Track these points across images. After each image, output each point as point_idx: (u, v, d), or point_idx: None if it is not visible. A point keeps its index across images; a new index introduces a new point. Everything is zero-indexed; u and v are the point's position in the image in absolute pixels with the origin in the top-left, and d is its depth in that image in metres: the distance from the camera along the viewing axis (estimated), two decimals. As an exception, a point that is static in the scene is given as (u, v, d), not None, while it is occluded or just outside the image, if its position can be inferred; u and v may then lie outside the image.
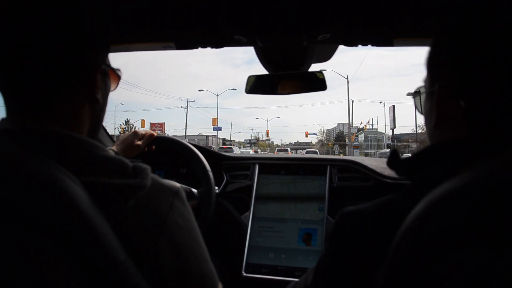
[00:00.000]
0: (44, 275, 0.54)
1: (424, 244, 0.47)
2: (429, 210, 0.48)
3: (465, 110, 0.61)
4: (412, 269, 0.48)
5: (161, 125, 51.41)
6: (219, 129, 51.37)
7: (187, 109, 51.81)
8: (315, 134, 78.18)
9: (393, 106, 33.22)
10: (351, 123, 40.02)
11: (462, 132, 0.62)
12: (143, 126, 46.96)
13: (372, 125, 50.53)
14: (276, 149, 50.40)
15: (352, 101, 42.43)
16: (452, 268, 0.44)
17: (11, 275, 0.52)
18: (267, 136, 69.55)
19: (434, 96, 0.65)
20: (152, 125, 50.84)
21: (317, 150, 47.76)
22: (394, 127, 34.66)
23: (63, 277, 0.55)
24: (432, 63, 0.67)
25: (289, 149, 48.52)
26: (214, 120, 50.55)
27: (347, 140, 44.54)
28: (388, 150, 29.45)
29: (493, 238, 0.42)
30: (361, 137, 46.90)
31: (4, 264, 0.52)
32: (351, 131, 41.61)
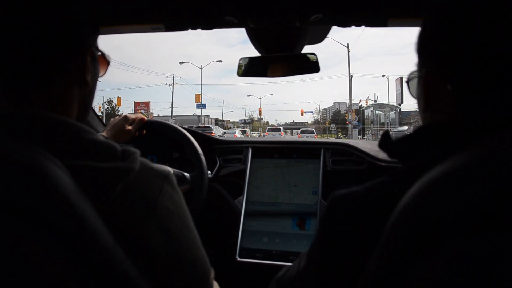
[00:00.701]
0: (28, 262, 0.53)
1: (419, 226, 0.47)
2: (423, 192, 0.47)
3: (452, 94, 0.60)
4: (406, 252, 0.48)
5: (146, 104, 45.87)
6: (203, 106, 45.89)
7: (172, 86, 46.96)
8: (311, 112, 72.89)
9: (401, 78, 27.91)
10: (351, 95, 35.83)
11: (451, 116, 0.61)
12: (118, 104, 43.57)
13: (375, 100, 43.20)
14: (267, 128, 43.84)
15: (351, 76, 38.67)
16: (446, 251, 0.44)
17: None
18: (260, 115, 65.47)
19: (422, 81, 0.65)
20: (136, 104, 45.93)
21: (313, 129, 42.80)
22: (402, 102, 30.65)
23: (48, 263, 0.54)
24: (420, 48, 0.67)
25: (281, 128, 43.39)
26: (198, 97, 45.29)
27: (349, 116, 39.16)
28: (405, 128, 25.26)
29: (488, 221, 0.42)
30: (368, 112, 38.77)
31: None
32: (352, 108, 38.59)
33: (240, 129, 55.69)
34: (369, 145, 1.87)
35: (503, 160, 0.42)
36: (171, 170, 0.74)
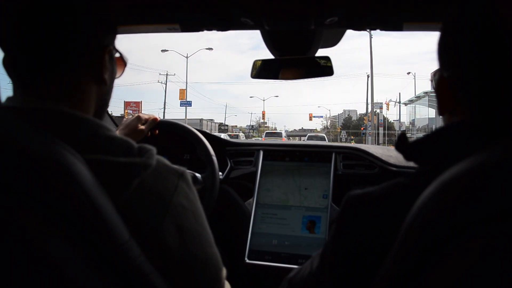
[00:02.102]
0: (46, 253, 0.54)
1: (435, 225, 0.47)
2: (441, 191, 0.47)
3: (465, 99, 0.61)
4: (423, 251, 0.48)
5: (137, 104, 39.96)
6: (188, 104, 38.91)
7: (166, 84, 40.86)
8: (321, 116, 67.29)
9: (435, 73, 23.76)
10: (371, 93, 31.25)
11: (468, 118, 0.62)
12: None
13: (400, 102, 37.97)
14: (265, 133, 35.51)
15: (368, 76, 36.55)
16: (463, 250, 0.44)
17: (14, 252, 0.52)
18: (263, 118, 57.09)
19: (436, 85, 0.66)
20: (126, 104, 40.09)
21: (324, 135, 34.91)
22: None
23: (66, 254, 0.55)
24: (439, 53, 0.67)
25: (283, 133, 36.97)
26: (182, 92, 38.24)
27: (368, 120, 35.24)
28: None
29: (505, 221, 0.42)
30: (411, 109, 32.55)
31: (8, 241, 0.52)
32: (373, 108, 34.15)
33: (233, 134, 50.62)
34: (380, 149, 1.86)
35: None
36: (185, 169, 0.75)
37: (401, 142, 0.67)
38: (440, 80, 0.65)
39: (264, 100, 59.40)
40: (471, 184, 0.45)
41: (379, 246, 0.58)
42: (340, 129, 53.88)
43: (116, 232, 0.58)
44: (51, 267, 0.54)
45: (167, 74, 41.80)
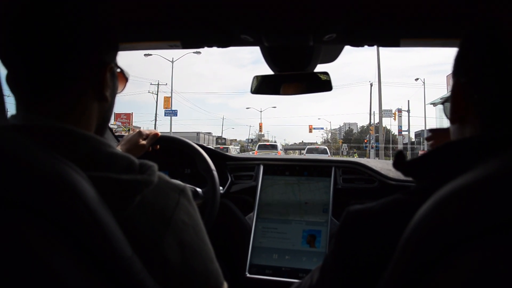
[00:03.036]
0: (50, 269, 0.54)
1: (432, 239, 0.47)
2: (437, 206, 0.48)
3: (478, 104, 0.62)
4: (420, 265, 0.48)
5: (128, 116, 38.37)
6: (174, 113, 35.87)
7: (157, 95, 38.06)
8: (322, 128, 63.14)
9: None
10: (379, 100, 28.78)
11: (477, 128, 0.63)
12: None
13: (409, 111, 33.91)
14: (258, 145, 32.43)
15: (371, 84, 35.62)
16: (459, 264, 0.44)
17: (17, 268, 0.53)
18: (260, 130, 54.41)
19: (452, 91, 0.67)
20: (116, 116, 37.90)
21: (325, 147, 31.70)
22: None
23: (70, 271, 0.55)
24: (458, 58, 0.69)
25: (279, 145, 32.94)
26: (167, 100, 35.48)
27: (374, 132, 32.82)
28: None
29: (501, 235, 0.43)
30: (439, 110, 26.83)
31: (12, 257, 0.53)
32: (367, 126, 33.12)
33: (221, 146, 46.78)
34: (379, 164, 1.87)
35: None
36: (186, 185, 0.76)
37: (399, 160, 0.68)
38: (457, 85, 0.67)
39: (261, 112, 56.85)
40: (466, 199, 0.46)
41: (378, 260, 0.59)
42: (342, 142, 51.43)
43: (119, 248, 0.59)
44: (55, 282, 0.54)
45: (158, 84, 39.19)
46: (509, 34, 0.59)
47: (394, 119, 34.41)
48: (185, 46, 1.34)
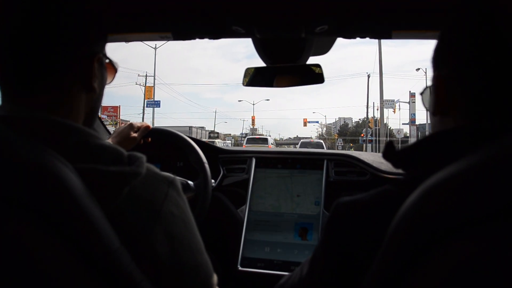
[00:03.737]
0: (36, 260, 0.54)
1: (419, 229, 0.48)
2: (424, 196, 0.48)
3: (464, 97, 0.62)
4: (407, 255, 0.49)
5: (115, 109, 35.27)
6: (156, 105, 34.20)
7: (145, 86, 35.52)
8: (317, 122, 60.45)
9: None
10: (381, 90, 26.96)
11: (459, 120, 0.62)
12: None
13: (410, 102, 30.07)
14: (246, 139, 28.92)
15: (369, 76, 34.02)
16: (446, 253, 0.45)
17: (5, 259, 0.52)
18: (253, 124, 50.81)
19: (433, 84, 0.67)
20: (104, 109, 33.79)
21: (322, 141, 29.76)
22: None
23: (56, 262, 0.55)
24: (436, 56, 0.68)
25: (269, 139, 29.19)
26: (149, 91, 33.46)
27: (369, 127, 32.17)
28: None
29: (487, 224, 0.43)
30: None
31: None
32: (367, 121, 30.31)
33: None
34: (371, 156, 1.87)
35: (501, 165, 0.43)
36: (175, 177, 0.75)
37: (389, 150, 0.68)
38: (438, 78, 0.66)
39: (253, 104, 54.25)
40: (452, 189, 0.46)
41: (367, 251, 0.59)
42: (338, 136, 49.49)
43: (107, 240, 0.59)
44: (42, 274, 0.54)
45: (146, 75, 36.64)
46: (491, 22, 0.58)
47: (394, 111, 32.50)
48: (177, 37, 1.33)
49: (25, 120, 0.63)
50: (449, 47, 0.65)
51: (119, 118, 35.14)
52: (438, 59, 0.67)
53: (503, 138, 0.47)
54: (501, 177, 0.43)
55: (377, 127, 31.07)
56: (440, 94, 0.66)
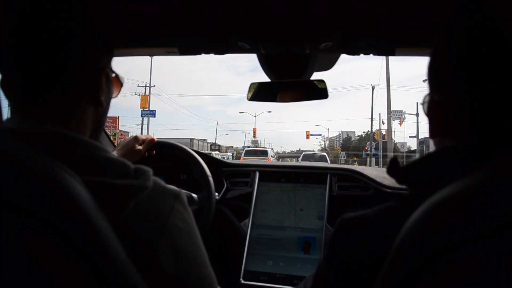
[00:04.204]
0: (44, 272, 0.54)
1: (423, 246, 0.48)
2: (429, 213, 0.49)
3: (458, 121, 0.62)
4: (411, 271, 0.49)
5: (114, 120, 33.78)
6: (151, 114, 32.48)
7: (148, 94, 33.90)
8: (319, 134, 58.80)
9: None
10: (388, 99, 25.58)
11: (457, 141, 0.63)
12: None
13: (417, 114, 29.20)
14: (244, 151, 27.19)
15: (373, 87, 33.30)
16: (449, 270, 0.45)
17: (12, 270, 0.53)
18: (254, 136, 49.42)
19: (427, 107, 0.68)
20: None
21: (325, 154, 27.94)
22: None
23: (63, 273, 0.56)
24: (429, 77, 0.69)
25: (270, 151, 27.89)
26: (144, 100, 31.53)
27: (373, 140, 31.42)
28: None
29: (491, 241, 0.43)
30: None
31: (6, 259, 0.53)
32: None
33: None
34: (375, 171, 1.87)
35: (502, 184, 0.44)
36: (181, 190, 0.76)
37: (393, 166, 0.68)
38: (431, 103, 0.67)
39: (255, 116, 52.02)
40: (456, 206, 0.46)
41: (371, 267, 0.59)
42: (341, 149, 48.62)
43: (113, 252, 0.59)
44: (49, 284, 0.54)
45: (145, 86, 35.15)
46: (479, 44, 0.59)
47: (400, 124, 30.72)
48: (182, 52, 1.35)
49: (34, 132, 0.64)
50: (439, 71, 0.65)
51: (117, 129, 34.21)
52: (430, 84, 0.68)
53: (505, 156, 0.47)
54: (503, 195, 0.43)
55: (383, 140, 29.98)
56: (435, 119, 0.67)
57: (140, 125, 34.53)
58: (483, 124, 0.60)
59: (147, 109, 32.14)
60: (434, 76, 0.67)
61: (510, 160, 0.47)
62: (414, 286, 0.48)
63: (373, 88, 33.13)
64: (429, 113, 0.68)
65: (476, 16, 0.60)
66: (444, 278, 0.45)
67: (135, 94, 35.55)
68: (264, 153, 25.74)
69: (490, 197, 0.44)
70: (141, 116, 32.30)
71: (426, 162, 0.64)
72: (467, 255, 0.44)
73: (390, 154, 24.34)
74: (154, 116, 34.05)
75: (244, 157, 23.64)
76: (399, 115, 29.33)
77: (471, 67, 0.59)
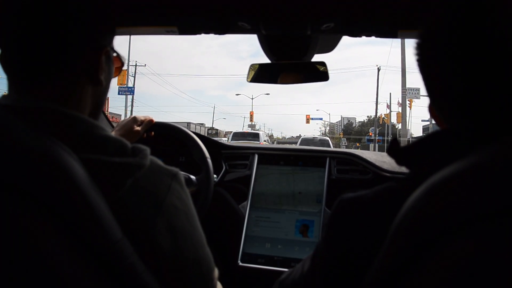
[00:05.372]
0: (37, 248, 0.54)
1: (422, 226, 0.48)
2: (427, 194, 0.48)
3: (456, 106, 0.62)
4: (409, 252, 0.49)
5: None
6: (129, 91, 28.83)
7: (134, 77, 31.75)
8: (320, 119, 54.60)
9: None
10: (403, 75, 23.67)
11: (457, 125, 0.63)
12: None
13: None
14: (232, 133, 22.45)
15: (379, 69, 31.81)
16: (448, 251, 0.45)
17: (6, 249, 0.53)
18: (251, 120, 47.00)
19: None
20: None
21: (327, 138, 24.78)
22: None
23: (57, 251, 0.55)
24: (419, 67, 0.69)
25: (261, 133, 23.40)
26: (122, 75, 26.69)
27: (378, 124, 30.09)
28: None
29: (489, 222, 0.43)
30: None
31: (2, 236, 0.53)
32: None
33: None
34: (374, 155, 1.87)
35: (503, 165, 0.44)
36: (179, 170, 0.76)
37: (393, 147, 0.68)
38: (429, 105, 0.69)
39: (252, 99, 50.40)
40: (456, 187, 0.46)
41: (369, 248, 0.59)
42: (343, 135, 47.17)
43: (109, 231, 0.59)
44: (43, 262, 0.54)
45: (136, 65, 32.56)
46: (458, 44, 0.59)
47: (410, 107, 27.07)
48: (182, 32, 1.33)
49: (31, 109, 0.64)
50: (424, 79, 0.66)
51: (107, 110, 29.75)
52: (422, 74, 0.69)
53: (504, 138, 0.47)
54: (503, 176, 0.43)
55: (391, 124, 28.47)
56: (435, 119, 0.69)
57: (129, 107, 30.85)
58: (477, 108, 0.59)
59: (125, 85, 28.54)
60: (424, 66, 0.67)
61: (503, 143, 0.46)
62: (413, 267, 0.48)
63: (378, 69, 32.13)
64: (430, 114, 0.70)
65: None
66: (444, 259, 0.45)
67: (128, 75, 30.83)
68: (255, 136, 21.78)
69: (491, 178, 0.44)
70: (118, 93, 28.72)
71: (425, 143, 0.64)
72: (465, 236, 0.44)
73: (404, 140, 21.73)
74: (133, 93, 30.38)
75: (232, 142, 17.64)
76: (416, 94, 25.92)
77: (459, 54, 0.58)
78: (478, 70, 0.57)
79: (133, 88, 29.81)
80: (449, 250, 0.45)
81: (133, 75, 32.01)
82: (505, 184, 0.42)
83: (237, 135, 21.69)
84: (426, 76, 0.65)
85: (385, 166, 1.77)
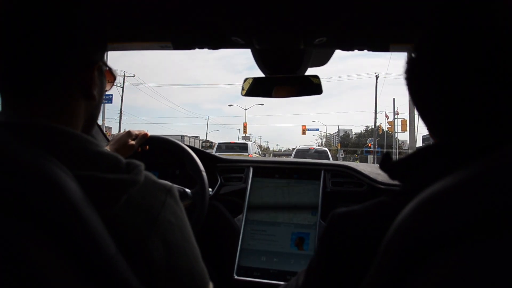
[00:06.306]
0: (33, 266, 0.54)
1: (413, 241, 0.48)
2: (419, 208, 0.49)
3: (444, 121, 0.63)
4: (401, 266, 0.49)
5: None
6: (107, 100, 26.55)
7: (123, 88, 31.84)
8: (317, 130, 56.64)
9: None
10: None
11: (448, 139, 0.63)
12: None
13: None
14: (217, 144, 20.50)
15: (377, 76, 32.04)
16: (439, 265, 0.45)
17: (1, 264, 0.52)
18: (245, 131, 44.39)
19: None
20: None
21: (326, 149, 21.59)
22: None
23: (53, 267, 0.55)
24: (408, 83, 0.70)
25: (250, 145, 20.66)
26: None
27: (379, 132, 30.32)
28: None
29: (479, 235, 0.43)
30: None
31: None
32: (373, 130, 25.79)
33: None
34: (368, 167, 1.88)
35: (490, 180, 0.44)
36: (173, 185, 0.76)
37: (385, 161, 0.68)
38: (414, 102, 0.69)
39: (246, 110, 49.52)
40: (445, 202, 0.46)
41: (362, 262, 0.59)
42: (340, 146, 46.04)
43: (103, 246, 0.59)
44: (38, 278, 0.54)
45: (124, 75, 31.98)
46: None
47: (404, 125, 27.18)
48: (176, 47, 1.34)
49: (25, 126, 0.64)
50: (417, 74, 0.67)
51: (103, 122, 28.69)
52: (409, 87, 0.70)
53: (494, 152, 0.47)
54: (490, 191, 0.43)
55: (391, 133, 28.07)
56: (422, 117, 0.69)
57: (118, 119, 31.84)
58: (465, 123, 0.60)
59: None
60: (412, 82, 0.68)
61: (497, 157, 0.47)
62: (404, 282, 0.48)
63: (377, 77, 32.11)
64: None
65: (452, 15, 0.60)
66: (434, 274, 0.45)
67: (116, 86, 30.86)
68: (243, 148, 19.26)
69: (478, 193, 0.44)
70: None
71: (417, 158, 0.64)
72: (457, 251, 0.44)
73: (410, 151, 19.46)
74: (111, 102, 29.43)
75: (218, 153, 14.26)
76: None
77: (447, 71, 0.60)
78: (466, 87, 0.58)
79: (110, 96, 28.45)
80: (440, 265, 0.45)
81: (121, 86, 31.75)
82: (492, 199, 0.43)
83: (221, 147, 19.06)
84: (414, 92, 0.66)
85: (379, 178, 1.77)
